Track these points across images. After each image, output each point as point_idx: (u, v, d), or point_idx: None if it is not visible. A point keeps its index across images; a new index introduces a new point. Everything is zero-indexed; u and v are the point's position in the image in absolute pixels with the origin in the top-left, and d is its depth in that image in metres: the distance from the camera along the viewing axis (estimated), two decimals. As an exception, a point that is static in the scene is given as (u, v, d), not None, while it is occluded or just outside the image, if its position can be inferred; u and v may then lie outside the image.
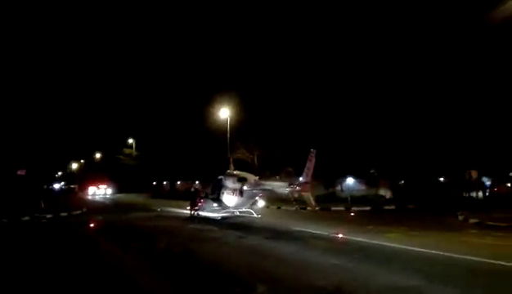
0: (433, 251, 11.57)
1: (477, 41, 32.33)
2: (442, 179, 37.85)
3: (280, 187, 21.46)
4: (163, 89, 59.85)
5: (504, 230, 16.92)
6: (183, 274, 8.29)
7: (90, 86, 70.79)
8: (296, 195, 21.21)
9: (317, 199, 34.73)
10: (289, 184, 20.29)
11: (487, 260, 10.15)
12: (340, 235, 15.22)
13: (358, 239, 14.51)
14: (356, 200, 33.99)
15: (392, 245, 13.05)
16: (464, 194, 34.73)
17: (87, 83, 67.47)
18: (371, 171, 38.86)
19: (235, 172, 23.72)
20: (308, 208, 29.81)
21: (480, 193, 33.71)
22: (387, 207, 30.93)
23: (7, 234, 17.28)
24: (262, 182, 22.72)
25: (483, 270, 9.42)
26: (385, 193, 36.68)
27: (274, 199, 31.26)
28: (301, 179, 19.54)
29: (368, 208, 30.19)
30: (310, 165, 19.12)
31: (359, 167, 37.93)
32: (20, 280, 8.38)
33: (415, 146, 34.96)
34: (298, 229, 17.79)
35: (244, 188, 21.90)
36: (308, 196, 19.71)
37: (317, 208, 24.53)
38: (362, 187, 37.80)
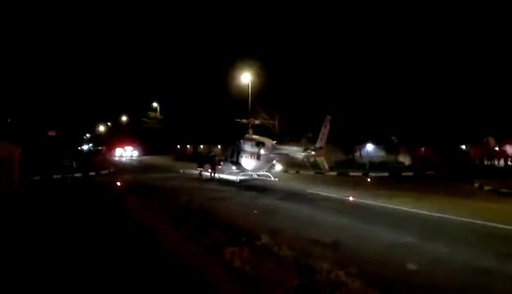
0: (436, 214, 12.13)
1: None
2: (463, 146, 37.46)
3: (295, 152, 22.02)
4: (187, 54, 60.46)
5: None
6: (198, 226, 9.17)
7: (117, 51, 72.03)
8: (312, 159, 21.77)
9: (336, 165, 35.49)
10: (305, 149, 20.86)
11: (482, 222, 10.70)
12: (351, 198, 15.86)
13: (368, 202, 15.14)
14: (374, 166, 34.28)
15: (399, 208, 13.63)
16: (486, 162, 34.53)
17: (115, 48, 68.59)
18: (391, 138, 38.78)
19: (253, 137, 24.36)
20: (326, 173, 30.59)
21: (502, 162, 33.48)
22: (405, 174, 31.15)
23: (41, 190, 18.71)
24: (279, 147, 23.36)
25: (475, 231, 10.02)
26: (404, 159, 36.75)
27: (293, 164, 31.98)
28: (316, 144, 20.05)
29: (386, 174, 30.49)
30: (325, 131, 19.57)
31: (379, 134, 37.92)
32: (53, 227, 9.44)
33: (436, 113, 34.64)
34: (311, 191, 18.50)
35: (262, 152, 22.63)
36: (322, 160, 20.29)
37: (330, 172, 25.00)
38: (382, 153, 37.85)
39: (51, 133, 35.06)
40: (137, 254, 7.00)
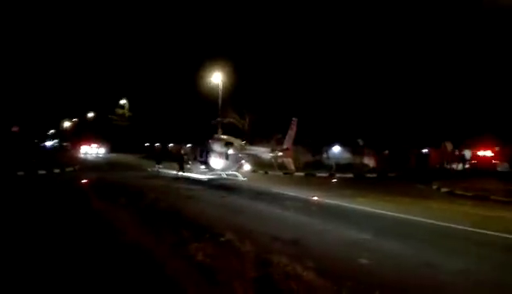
0: (393, 214, 12.85)
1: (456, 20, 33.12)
2: (425, 150, 39.14)
3: (263, 152, 22.51)
4: (157, 51, 59.92)
5: (468, 198, 18.23)
6: (164, 224, 9.37)
7: (85, 46, 70.34)
8: (279, 160, 22.30)
9: (305, 166, 36.27)
10: (272, 150, 21.35)
11: (432, 221, 11.44)
12: (315, 198, 16.42)
13: (331, 202, 15.75)
14: (340, 167, 35.29)
15: (359, 207, 14.30)
16: (446, 165, 36.27)
17: (81, 43, 66.98)
18: (357, 141, 40.00)
19: (222, 137, 24.65)
20: (294, 174, 31.26)
21: (460, 165, 35.31)
22: (369, 175, 32.29)
23: (4, 187, 18.28)
24: (248, 147, 23.78)
25: (426, 228, 10.74)
26: (369, 161, 37.99)
27: (262, 164, 32.48)
28: (283, 146, 20.57)
29: (351, 175, 31.49)
30: (291, 132, 20.14)
31: (346, 136, 39.11)
32: (15, 227, 9.40)
33: (400, 118, 36.06)
34: (277, 191, 18.97)
35: (230, 152, 22.95)
36: (289, 161, 20.86)
37: (298, 173, 25.61)
38: (348, 155, 39.02)
39: (14, 129, 34.08)
40: (100, 249, 7.15)
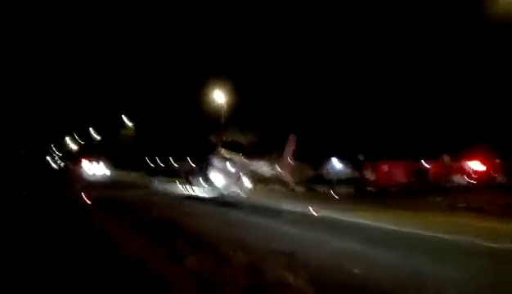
0: (389, 226, 13.11)
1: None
2: (425, 164, 39.29)
3: (262, 167, 22.89)
4: (160, 69, 60.85)
5: (470, 211, 18.45)
6: (163, 238, 9.71)
7: (88, 64, 71.53)
8: (283, 176, 22.68)
9: (306, 181, 36.58)
10: (271, 166, 21.76)
11: (427, 233, 11.68)
12: (314, 212, 16.71)
13: (329, 216, 16.07)
14: (341, 182, 35.59)
15: (356, 220, 14.58)
16: (447, 178, 36.38)
17: (84, 61, 68.04)
18: (358, 156, 40.31)
19: (222, 153, 25.09)
20: (295, 189, 31.58)
21: (461, 178, 35.40)
22: (370, 189, 32.54)
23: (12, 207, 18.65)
24: (248, 163, 24.17)
25: (420, 239, 11.00)
26: (370, 176, 38.19)
27: (264, 180, 32.86)
28: (282, 161, 20.98)
29: (352, 190, 31.76)
30: (289, 149, 20.55)
31: (346, 151, 39.46)
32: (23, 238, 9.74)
33: (400, 132, 36.42)
34: (278, 206, 19.28)
35: (231, 168, 23.36)
36: (288, 176, 21.21)
37: (299, 188, 25.91)
38: (348, 170, 39.29)
39: (23, 151, 34.98)
40: (99, 261, 7.48)
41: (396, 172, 37.85)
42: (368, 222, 14.21)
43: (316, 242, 10.50)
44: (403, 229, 12.59)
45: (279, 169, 21.13)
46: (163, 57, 61.21)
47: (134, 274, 6.65)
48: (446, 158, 31.21)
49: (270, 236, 11.30)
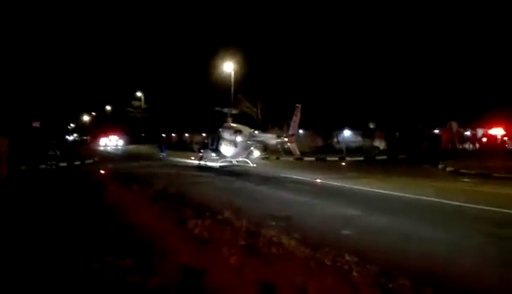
0: (390, 192, 13.45)
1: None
2: (437, 131, 39.18)
3: (270, 138, 23.32)
4: (170, 43, 60.95)
5: (471, 176, 18.68)
6: (169, 205, 10.32)
7: (101, 41, 72.03)
8: (286, 146, 23.06)
9: (315, 151, 36.94)
10: (278, 136, 22.13)
11: (426, 198, 12.02)
12: (319, 180, 17.15)
13: (334, 183, 16.48)
14: (351, 151, 35.86)
15: (360, 188, 14.95)
16: (458, 146, 36.37)
17: (98, 38, 68.49)
18: (369, 124, 40.33)
19: (231, 125, 25.47)
20: (305, 159, 32.01)
21: (471, 145, 35.35)
22: (379, 158, 32.74)
23: (28, 178, 19.63)
24: (256, 134, 24.56)
25: (418, 204, 11.35)
26: (380, 144, 38.33)
27: (274, 151, 33.36)
28: (289, 131, 21.31)
29: (361, 158, 32.00)
30: (295, 119, 20.80)
31: (356, 120, 39.49)
32: (38, 210, 10.48)
33: (408, 98, 36.23)
34: (285, 175, 19.74)
35: (239, 139, 23.81)
36: (294, 146, 21.58)
37: (309, 158, 26.24)
38: (358, 139, 39.42)
39: (35, 124, 35.71)
40: (113, 225, 8.12)
41: (407, 140, 37.91)
42: (369, 189, 14.60)
43: (315, 208, 10.99)
44: (402, 194, 12.95)
45: (285, 139, 21.48)
46: (172, 30, 61.17)
47: (141, 234, 7.27)
48: (454, 125, 31.06)
49: (271, 203, 11.83)
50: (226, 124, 25.66)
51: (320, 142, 39.68)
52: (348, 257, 5.92)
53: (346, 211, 10.32)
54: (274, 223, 8.54)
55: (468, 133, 35.71)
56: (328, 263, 5.67)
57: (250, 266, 5.36)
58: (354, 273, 5.23)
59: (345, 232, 8.05)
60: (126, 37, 69.04)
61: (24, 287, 4.97)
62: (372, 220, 9.33)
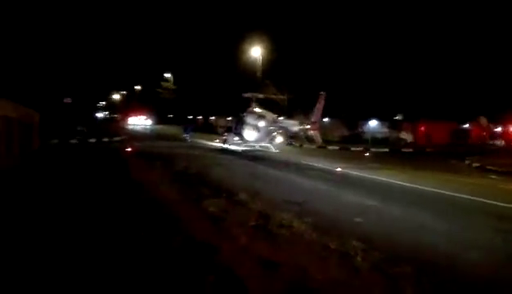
0: (410, 185, 13.37)
1: None
2: (466, 125, 38.16)
3: (292, 125, 23.40)
4: (199, 26, 61.41)
5: (496, 173, 18.22)
6: (189, 184, 10.69)
7: (132, 22, 73.27)
8: (309, 133, 23.08)
9: (341, 140, 36.75)
10: (300, 123, 22.15)
11: (445, 192, 11.89)
12: (339, 169, 17.16)
13: (354, 173, 16.45)
14: (377, 142, 35.43)
15: (380, 178, 14.89)
16: (488, 141, 35.38)
17: (130, 19, 69.63)
18: (396, 116, 39.71)
19: (255, 110, 25.65)
20: (329, 147, 31.93)
21: (502, 141, 34.31)
22: (405, 150, 32.22)
23: (57, 151, 20.55)
24: (279, 120, 24.65)
25: (435, 198, 11.27)
26: (407, 136, 37.70)
27: (298, 137, 33.34)
28: (311, 119, 21.30)
29: (386, 150, 31.58)
30: (319, 106, 20.78)
31: (383, 111, 38.92)
32: (67, 180, 11.06)
33: (439, 92, 35.37)
34: (306, 163, 19.81)
35: (262, 124, 23.98)
36: (316, 134, 21.62)
37: (333, 146, 26.18)
38: (385, 130, 38.88)
39: (67, 100, 36.98)
40: (134, 200, 8.54)
41: (434, 133, 37.13)
42: (388, 180, 14.51)
43: (331, 196, 11.12)
44: (421, 187, 12.85)
45: (307, 126, 21.51)
46: (202, 13, 61.49)
47: (160, 210, 7.66)
48: (483, 120, 30.15)
49: (289, 188, 12.03)
50: (249, 109, 25.87)
51: (345, 131, 39.37)
52: (353, 243, 6.06)
53: (362, 201, 10.38)
54: (288, 207, 8.71)
55: (499, 129, 34.59)
56: (332, 247, 5.82)
57: (256, 245, 5.60)
58: (357, 258, 5.37)
59: (357, 220, 8.16)
60: (158, 18, 69.88)
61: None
62: (386, 211, 9.38)
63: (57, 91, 39.81)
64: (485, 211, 9.75)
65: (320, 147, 30.11)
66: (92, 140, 27.82)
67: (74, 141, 26.36)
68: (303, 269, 4.78)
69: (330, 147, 32.28)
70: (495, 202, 10.42)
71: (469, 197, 11.29)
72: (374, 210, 9.32)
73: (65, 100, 36.62)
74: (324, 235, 6.52)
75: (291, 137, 29.98)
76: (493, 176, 17.37)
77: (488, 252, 6.31)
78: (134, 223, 6.56)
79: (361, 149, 31.53)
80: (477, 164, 21.46)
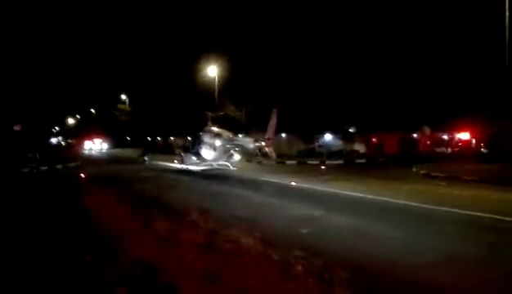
0: (357, 194, 14.03)
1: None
2: (414, 134, 40.24)
3: (247, 142, 23.89)
4: (154, 47, 61.27)
5: (441, 179, 19.39)
6: (141, 207, 10.75)
7: (83, 44, 71.83)
8: (264, 150, 23.65)
9: (298, 154, 37.65)
10: (255, 140, 22.71)
11: (391, 199, 12.62)
12: (293, 183, 17.72)
13: (306, 186, 17.04)
14: (332, 154, 36.63)
15: (330, 190, 15.55)
16: (437, 150, 37.46)
17: (80, 41, 68.29)
18: (348, 128, 41.25)
19: (211, 129, 25.93)
20: (287, 162, 32.69)
21: (447, 148, 36.45)
22: (358, 161, 33.56)
23: (8, 182, 19.78)
24: (235, 138, 25.08)
25: (381, 205, 11.96)
26: (360, 147, 39.25)
27: (250, 154, 33.82)
28: (265, 135, 21.89)
29: (341, 162, 32.75)
30: (272, 122, 21.39)
31: (337, 124, 40.37)
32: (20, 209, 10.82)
33: (388, 105, 37.22)
34: (263, 179, 20.22)
35: (218, 143, 24.29)
36: (270, 150, 22.18)
37: (291, 161, 26.84)
38: (339, 142, 40.29)
39: (17, 127, 35.65)
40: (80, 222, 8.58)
41: (386, 143, 38.95)
42: (337, 191, 15.18)
43: (282, 209, 11.53)
44: (370, 196, 13.56)
45: (262, 143, 22.08)
46: (157, 34, 61.53)
47: (109, 233, 7.74)
48: (427, 129, 32.13)
49: (241, 204, 12.33)
50: (206, 128, 26.12)
51: (302, 146, 40.39)
52: (296, 252, 6.44)
53: (310, 212, 10.85)
54: (238, 223, 9.00)
55: (445, 137, 36.83)
56: (275, 258, 6.17)
57: (202, 261, 5.84)
58: (297, 267, 5.74)
59: (304, 230, 8.58)
60: (111, 39, 69.03)
61: None
62: (331, 220, 9.90)
63: (6, 118, 38.24)
64: (422, 214, 10.56)
65: (279, 163, 30.82)
66: (44, 168, 26.96)
67: (25, 170, 25.43)
68: (245, 280, 5.08)
69: (288, 162, 33.06)
70: (436, 207, 11.16)
71: (411, 203, 12.03)
72: (319, 220, 9.82)
73: (15, 128, 35.28)
74: (268, 247, 6.85)
75: (249, 155, 30.52)
76: (437, 182, 18.50)
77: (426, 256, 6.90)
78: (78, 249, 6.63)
79: (317, 162, 32.49)
80: (423, 171, 22.74)
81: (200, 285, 4.95)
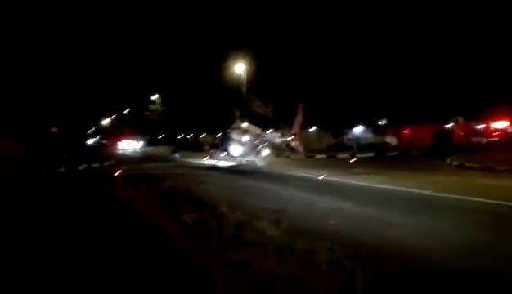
0: (386, 187, 13.89)
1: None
2: (449, 125, 39.02)
3: (274, 137, 24.04)
4: (184, 46, 62.48)
5: (475, 170, 18.83)
6: (172, 201, 11.08)
7: (117, 47, 74.21)
8: (293, 144, 23.72)
9: (327, 148, 37.40)
10: (282, 135, 22.83)
11: (420, 191, 12.40)
12: (321, 177, 17.65)
13: (336, 179, 16.96)
14: (362, 148, 36.05)
15: (360, 183, 15.44)
16: (473, 140, 36.21)
17: (114, 44, 70.54)
18: (380, 121, 40.53)
19: (239, 125, 26.26)
20: (316, 156, 32.56)
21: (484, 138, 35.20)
22: (390, 154, 32.91)
23: (45, 181, 20.81)
24: (262, 134, 25.29)
25: (410, 197, 11.78)
26: (391, 140, 38.45)
27: (278, 149, 33.90)
28: (292, 130, 21.97)
29: (372, 155, 32.22)
30: (299, 117, 21.39)
31: (367, 117, 39.77)
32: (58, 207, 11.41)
33: (420, 96, 36.33)
34: (290, 173, 20.30)
35: (246, 139, 24.57)
36: (297, 144, 22.23)
37: (320, 155, 26.78)
38: (370, 135, 39.62)
39: (53, 130, 37.32)
40: (117, 217, 8.98)
41: (418, 136, 37.94)
42: (368, 184, 15.05)
43: (310, 202, 11.54)
44: (399, 188, 13.38)
45: (289, 138, 22.17)
46: (185, 33, 62.68)
47: (140, 224, 8.10)
48: (460, 119, 31.07)
49: (269, 198, 12.47)
50: (234, 124, 26.47)
51: (331, 140, 40.04)
52: (320, 242, 6.50)
53: (339, 205, 10.86)
54: (266, 216, 9.13)
55: (479, 127, 35.50)
56: (300, 247, 6.26)
57: (227, 251, 6.03)
58: (320, 256, 5.81)
59: (332, 222, 8.63)
60: (141, 41, 70.88)
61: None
62: (359, 212, 9.87)
63: (44, 121, 40.09)
64: (450, 206, 10.37)
65: (308, 157, 30.72)
66: (82, 167, 28.07)
67: (61, 170, 26.58)
68: (268, 269, 5.22)
69: (318, 156, 32.88)
70: (467, 198, 10.93)
71: (441, 194, 11.83)
72: (348, 212, 9.82)
73: (52, 130, 36.97)
74: (295, 238, 6.95)
75: (277, 150, 30.65)
76: (470, 173, 17.97)
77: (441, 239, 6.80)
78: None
79: (347, 155, 32.12)
80: (457, 162, 22.10)
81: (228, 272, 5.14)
